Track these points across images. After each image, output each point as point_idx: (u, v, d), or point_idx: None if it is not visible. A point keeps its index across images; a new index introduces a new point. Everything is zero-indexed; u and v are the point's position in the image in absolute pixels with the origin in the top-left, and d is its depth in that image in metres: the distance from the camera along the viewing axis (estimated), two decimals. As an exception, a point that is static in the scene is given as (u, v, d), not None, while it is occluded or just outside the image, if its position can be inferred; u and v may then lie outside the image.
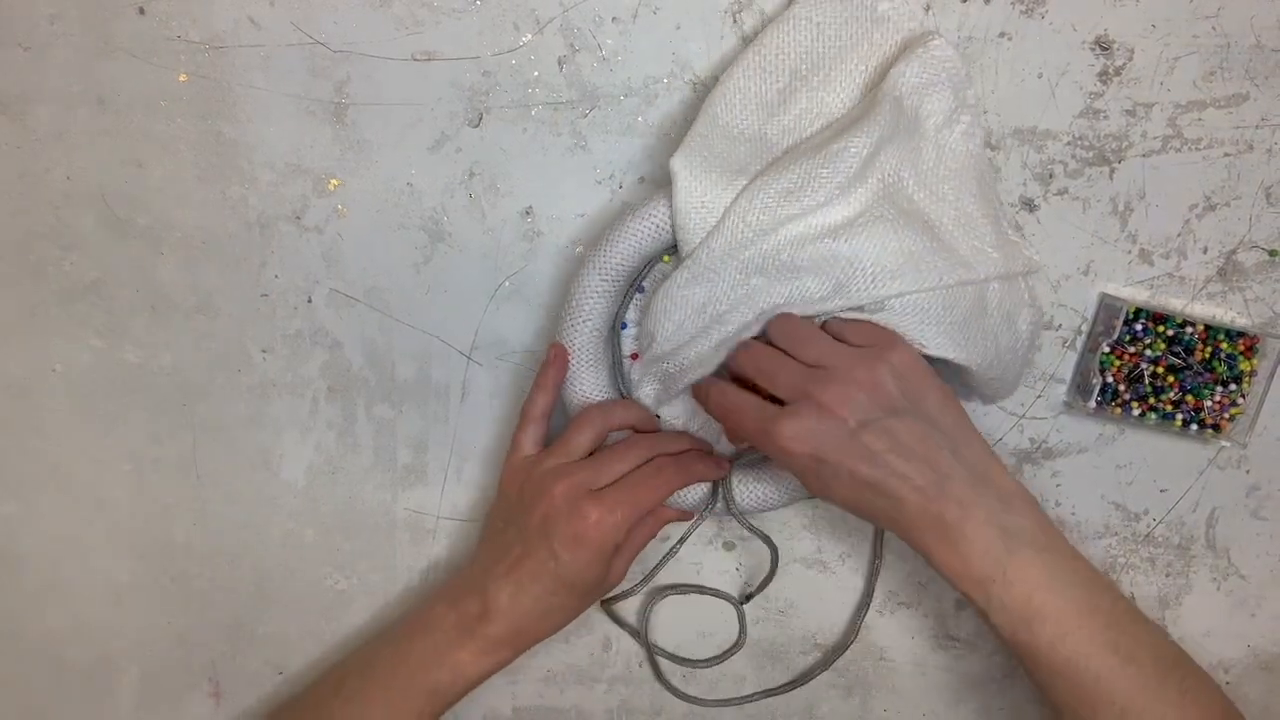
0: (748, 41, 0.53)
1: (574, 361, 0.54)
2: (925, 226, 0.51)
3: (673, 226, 0.51)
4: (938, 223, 0.51)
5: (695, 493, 0.56)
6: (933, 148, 0.51)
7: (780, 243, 0.49)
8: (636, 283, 0.54)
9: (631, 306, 0.56)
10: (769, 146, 0.51)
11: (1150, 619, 0.49)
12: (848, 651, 0.62)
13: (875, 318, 0.50)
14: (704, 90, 0.54)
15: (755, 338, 0.52)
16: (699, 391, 0.54)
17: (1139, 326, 0.56)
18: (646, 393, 0.56)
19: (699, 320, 0.52)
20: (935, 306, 0.50)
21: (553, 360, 0.54)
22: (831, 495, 0.48)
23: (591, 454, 0.53)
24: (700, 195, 0.50)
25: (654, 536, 0.55)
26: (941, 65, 0.50)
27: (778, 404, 0.48)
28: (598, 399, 0.55)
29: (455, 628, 0.52)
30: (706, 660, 0.61)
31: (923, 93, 0.50)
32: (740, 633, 0.60)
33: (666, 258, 0.54)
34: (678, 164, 0.50)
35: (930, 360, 0.51)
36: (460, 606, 0.52)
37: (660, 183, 0.56)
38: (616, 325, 0.55)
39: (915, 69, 0.49)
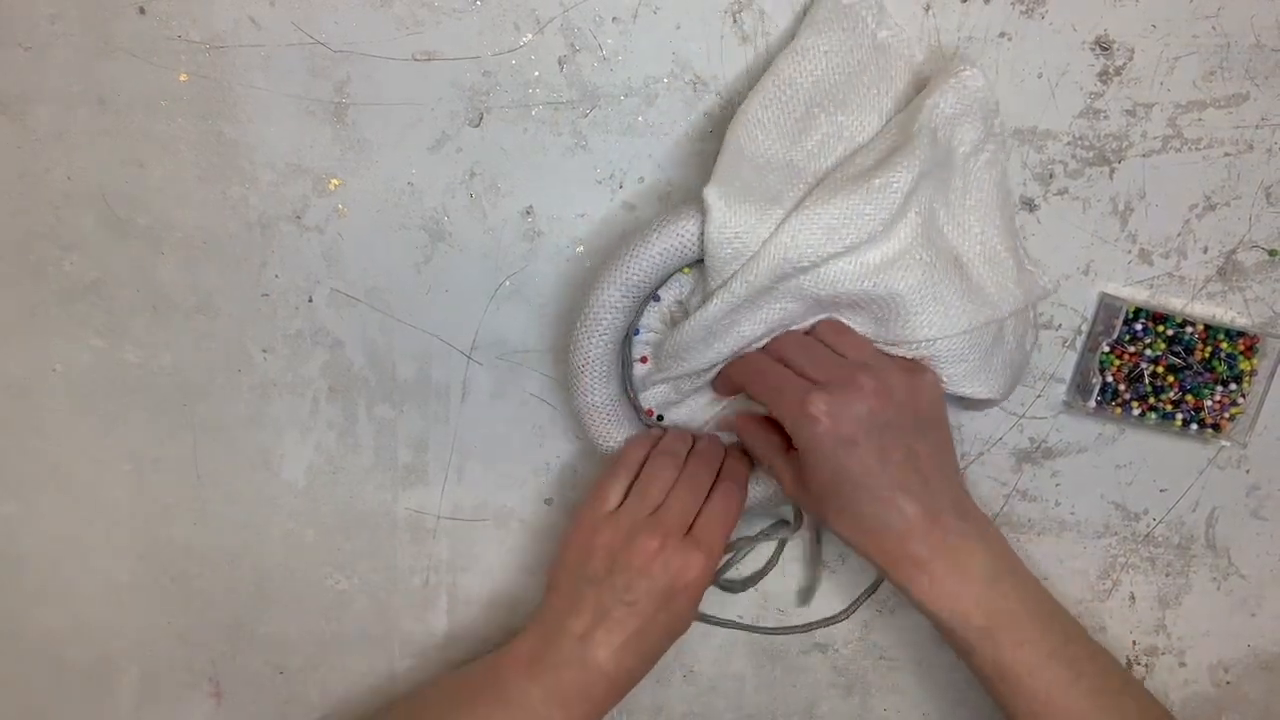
0: (747, 40, 0.54)
1: (585, 371, 0.54)
2: (956, 267, 0.51)
3: (704, 255, 0.51)
4: (966, 260, 0.52)
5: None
6: (960, 177, 0.52)
7: (820, 279, 0.50)
8: (653, 292, 0.54)
9: (645, 313, 0.55)
10: (798, 172, 0.51)
11: (1098, 641, 0.52)
12: (848, 651, 0.62)
13: (905, 353, 0.51)
14: (705, 90, 0.54)
15: None
16: (738, 361, 0.53)
17: (1139, 326, 0.56)
18: (654, 394, 0.56)
19: (734, 344, 0.52)
20: (962, 348, 0.51)
21: (681, 435, 0.55)
22: (826, 487, 0.48)
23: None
24: (734, 226, 0.50)
25: None
26: (974, 95, 0.50)
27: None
28: (609, 407, 0.55)
29: (544, 703, 0.49)
30: (744, 581, 0.60)
31: (955, 123, 0.50)
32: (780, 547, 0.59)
33: (687, 269, 0.54)
34: (711, 195, 0.50)
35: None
36: (548, 678, 0.49)
37: (660, 187, 0.56)
38: (630, 332, 0.55)
39: (950, 100, 0.49)
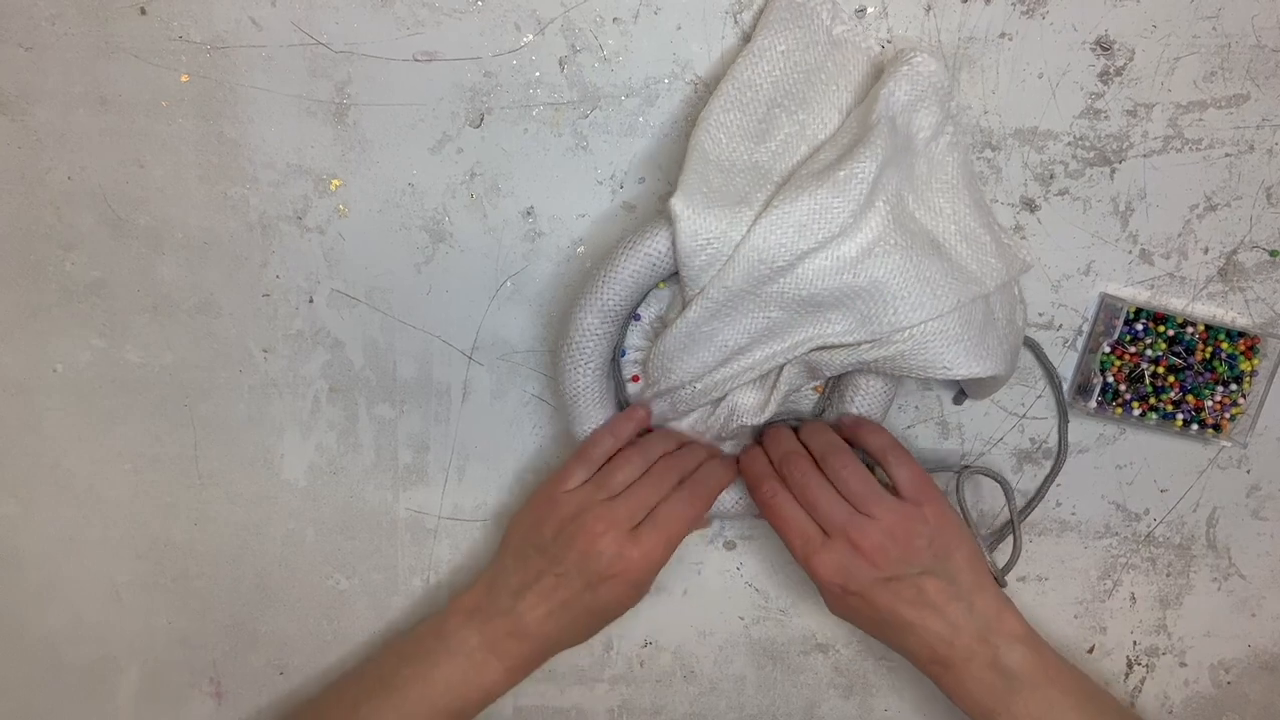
0: (748, 41, 0.54)
1: (579, 400, 0.54)
2: (934, 247, 0.51)
3: (678, 264, 0.51)
4: (943, 240, 0.52)
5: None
6: (924, 162, 0.52)
7: (800, 280, 0.50)
8: (632, 311, 0.54)
9: (628, 333, 0.55)
10: (764, 173, 0.51)
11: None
12: (849, 651, 0.62)
13: (900, 349, 0.51)
14: (705, 90, 0.54)
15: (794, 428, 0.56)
16: (753, 477, 0.54)
17: (1139, 326, 0.56)
18: (653, 411, 0.56)
19: (718, 354, 0.52)
20: (954, 327, 0.51)
21: (637, 419, 0.56)
22: (851, 619, 0.54)
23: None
24: (706, 233, 0.50)
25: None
26: (928, 80, 0.50)
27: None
28: None
29: (481, 649, 0.53)
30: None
31: (913, 109, 0.50)
32: None
33: (662, 284, 0.54)
34: (678, 205, 0.50)
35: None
36: (486, 627, 0.53)
37: (660, 188, 0.56)
38: (616, 355, 0.55)
39: (905, 88, 0.50)
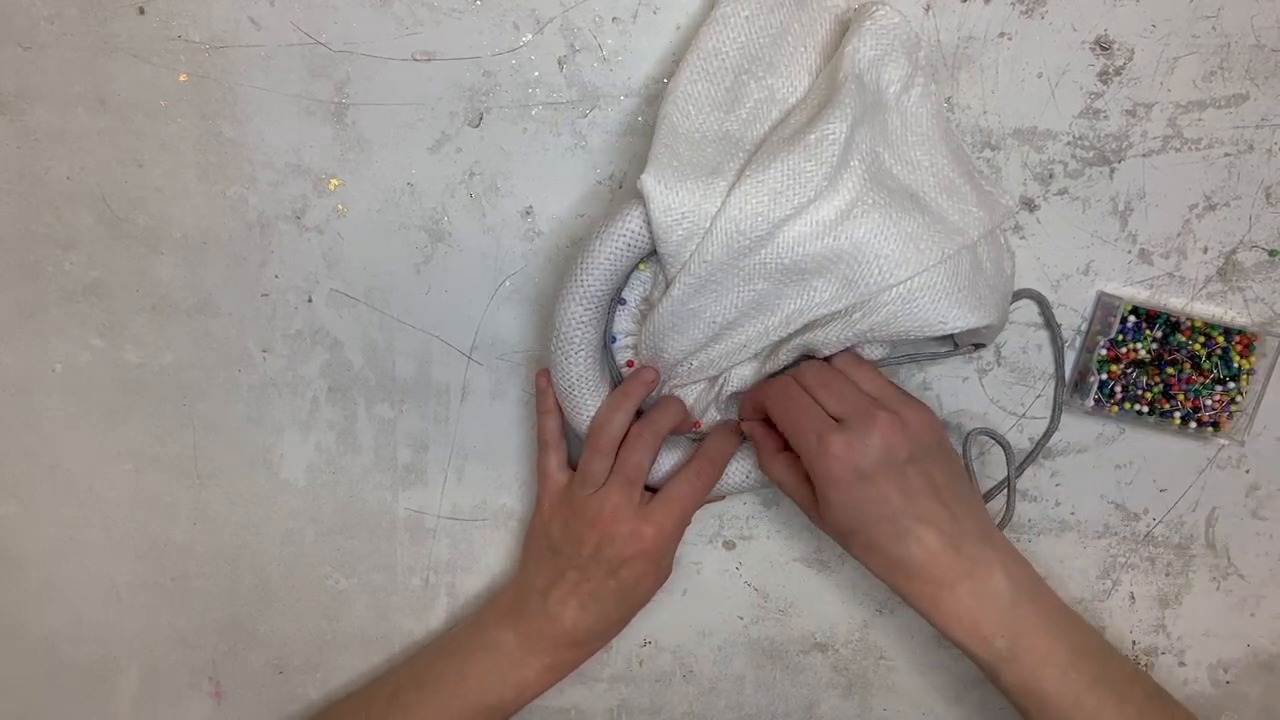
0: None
1: (574, 390, 0.54)
2: (914, 202, 0.50)
3: (655, 242, 0.51)
4: (922, 194, 0.51)
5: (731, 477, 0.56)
6: (897, 116, 0.51)
7: (780, 248, 0.49)
8: (617, 296, 0.54)
9: (615, 318, 0.55)
10: (735, 142, 0.51)
11: (1128, 656, 0.52)
12: (848, 651, 0.62)
13: (891, 311, 0.50)
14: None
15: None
16: (762, 385, 0.54)
17: (1137, 325, 0.56)
18: (652, 395, 0.56)
19: (708, 330, 0.52)
20: (942, 281, 0.50)
21: (544, 388, 0.56)
22: (852, 519, 0.49)
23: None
24: (680, 207, 0.49)
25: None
26: (892, 33, 0.50)
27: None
28: None
29: (519, 647, 0.54)
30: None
31: (880, 65, 0.50)
32: None
33: (643, 265, 0.54)
34: (649, 182, 0.49)
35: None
36: (521, 627, 0.54)
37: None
38: (606, 341, 0.55)
39: (869, 43, 0.49)
